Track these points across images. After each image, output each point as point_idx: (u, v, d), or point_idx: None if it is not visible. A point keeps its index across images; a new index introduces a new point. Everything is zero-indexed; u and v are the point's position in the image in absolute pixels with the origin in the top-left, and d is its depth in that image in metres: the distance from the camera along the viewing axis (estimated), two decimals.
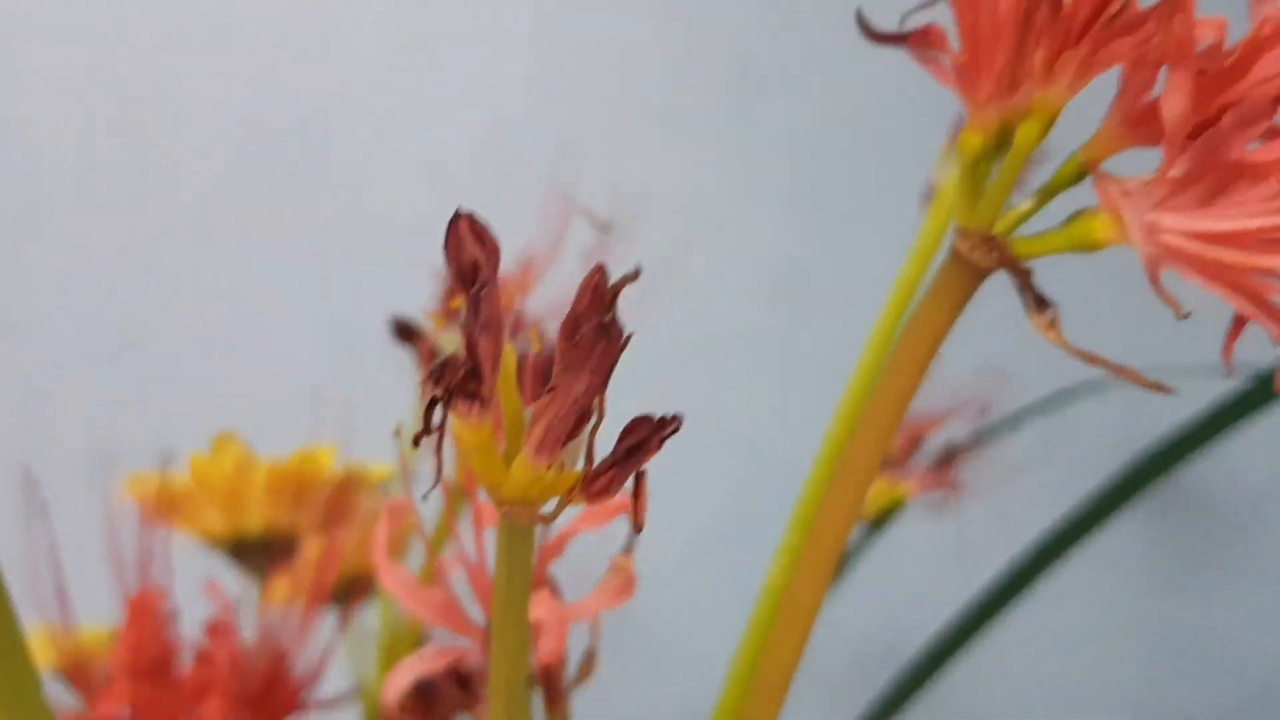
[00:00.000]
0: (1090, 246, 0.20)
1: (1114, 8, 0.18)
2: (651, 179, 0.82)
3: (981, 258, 0.21)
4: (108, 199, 0.78)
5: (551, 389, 0.16)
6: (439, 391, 0.17)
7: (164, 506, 0.36)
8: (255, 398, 0.77)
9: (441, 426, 0.17)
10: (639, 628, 0.78)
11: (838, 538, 0.23)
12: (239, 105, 0.79)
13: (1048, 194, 0.21)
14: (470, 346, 0.16)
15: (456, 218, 0.15)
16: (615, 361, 0.16)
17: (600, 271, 0.16)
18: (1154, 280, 0.18)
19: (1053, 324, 0.21)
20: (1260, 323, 0.19)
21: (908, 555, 0.70)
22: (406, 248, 0.79)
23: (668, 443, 0.17)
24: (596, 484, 0.17)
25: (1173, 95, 0.18)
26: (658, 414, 0.16)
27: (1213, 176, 0.19)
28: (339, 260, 0.78)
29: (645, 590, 0.24)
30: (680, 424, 0.16)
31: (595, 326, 0.15)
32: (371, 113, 0.80)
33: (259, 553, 0.36)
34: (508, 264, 0.33)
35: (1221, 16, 0.20)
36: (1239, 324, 0.20)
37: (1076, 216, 0.20)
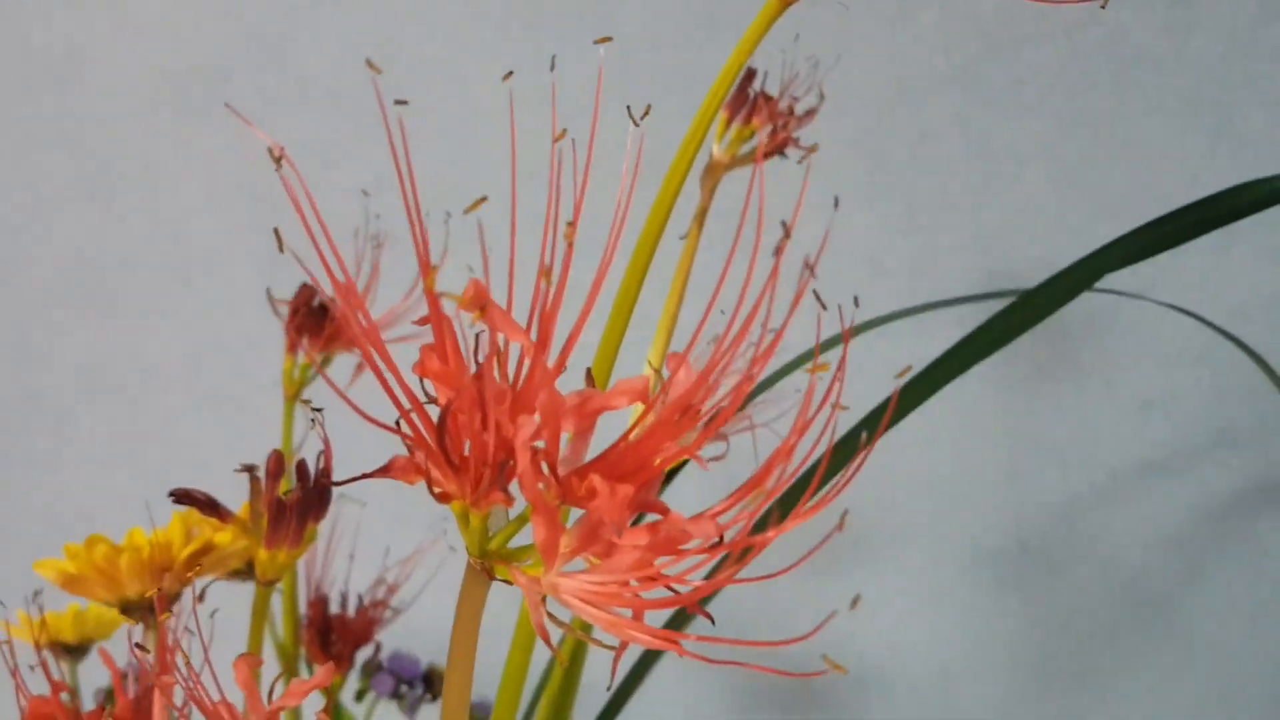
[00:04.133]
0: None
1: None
2: None
3: (479, 568, 0.30)
4: None
5: None
6: None
7: (66, 583, 0.48)
8: None
9: None
10: None
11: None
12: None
13: (512, 531, 0.30)
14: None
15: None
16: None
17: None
18: (539, 626, 0.28)
19: None
20: (632, 640, 0.29)
21: None
22: None
23: None
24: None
25: (537, 527, 0.27)
26: None
27: (592, 550, 0.28)
28: None
29: None
30: None
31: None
32: None
33: (145, 608, 0.48)
34: None
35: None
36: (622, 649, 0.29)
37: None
